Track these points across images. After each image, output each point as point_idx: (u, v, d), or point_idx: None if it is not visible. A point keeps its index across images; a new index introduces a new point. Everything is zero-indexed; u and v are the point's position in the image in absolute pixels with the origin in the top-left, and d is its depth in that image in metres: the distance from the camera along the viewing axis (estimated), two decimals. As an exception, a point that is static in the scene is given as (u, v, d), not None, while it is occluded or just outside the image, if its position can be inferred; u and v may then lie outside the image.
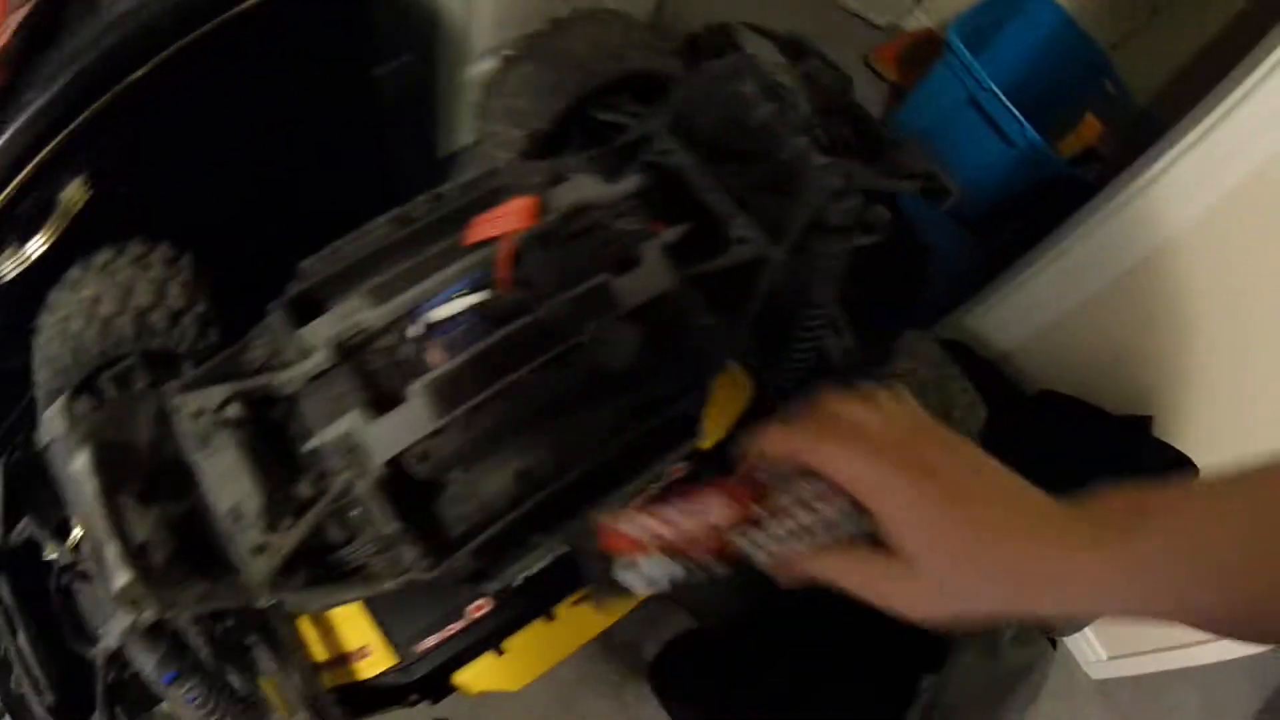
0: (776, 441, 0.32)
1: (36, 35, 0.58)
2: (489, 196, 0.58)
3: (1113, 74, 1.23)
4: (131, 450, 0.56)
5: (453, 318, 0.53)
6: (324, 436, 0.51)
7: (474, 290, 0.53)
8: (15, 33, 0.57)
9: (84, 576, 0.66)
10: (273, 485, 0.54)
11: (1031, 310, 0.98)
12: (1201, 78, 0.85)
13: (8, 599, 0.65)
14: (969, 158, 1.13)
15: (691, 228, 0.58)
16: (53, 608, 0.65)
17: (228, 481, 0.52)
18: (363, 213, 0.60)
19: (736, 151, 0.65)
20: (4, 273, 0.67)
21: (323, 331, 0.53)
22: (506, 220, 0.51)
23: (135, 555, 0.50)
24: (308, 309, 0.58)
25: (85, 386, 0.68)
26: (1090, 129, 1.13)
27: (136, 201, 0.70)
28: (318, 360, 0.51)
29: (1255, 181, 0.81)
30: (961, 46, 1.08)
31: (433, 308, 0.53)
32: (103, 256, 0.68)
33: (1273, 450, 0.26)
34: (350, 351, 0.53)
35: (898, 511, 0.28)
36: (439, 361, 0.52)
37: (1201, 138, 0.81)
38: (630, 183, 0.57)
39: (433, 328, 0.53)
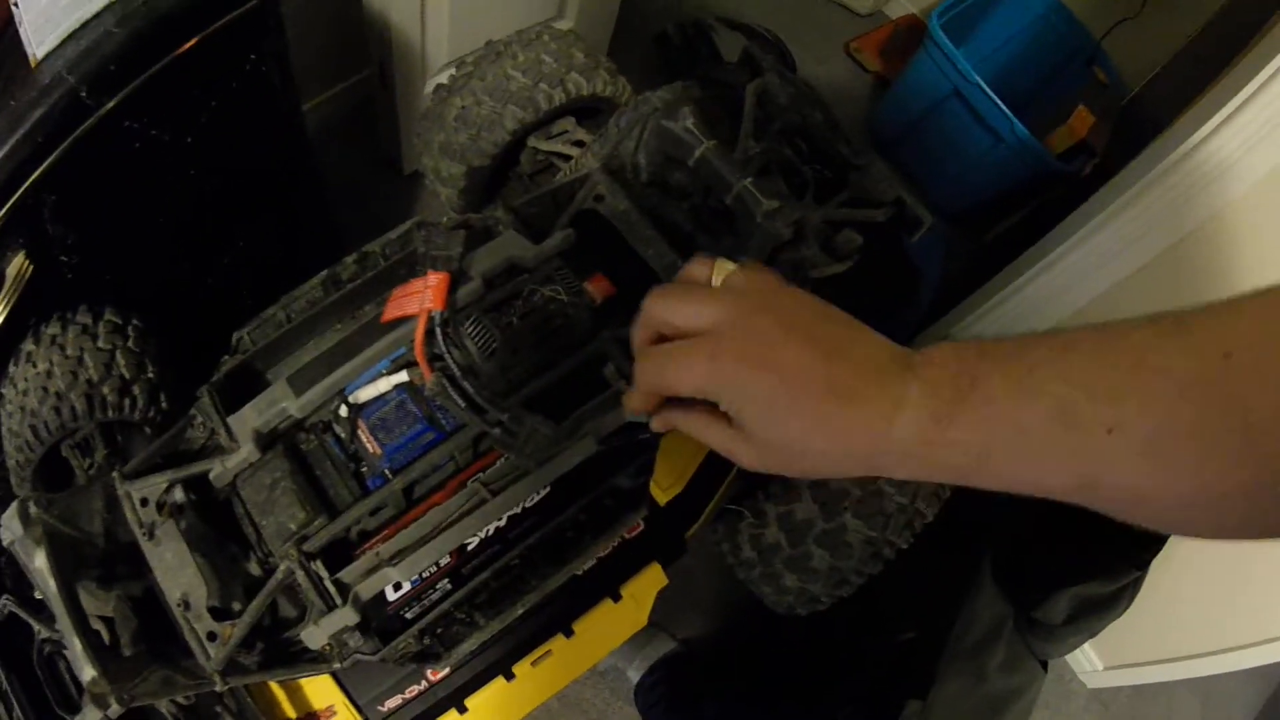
0: (634, 399, 0.34)
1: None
2: (411, 258, 0.56)
3: (1104, 61, 1.13)
4: (87, 541, 0.57)
5: (378, 397, 0.52)
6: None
7: (396, 369, 0.52)
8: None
9: (64, 647, 0.68)
10: (219, 568, 0.54)
11: (1023, 321, 0.92)
12: (1197, 64, 0.77)
13: (-2, 671, 0.67)
14: (956, 154, 1.05)
15: (625, 286, 0.55)
16: (40, 676, 0.67)
17: (175, 572, 0.53)
18: (307, 250, 0.59)
19: (676, 188, 0.61)
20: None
21: (249, 422, 0.52)
22: (419, 298, 0.49)
23: (98, 649, 0.51)
24: (245, 380, 0.57)
25: (49, 456, 0.70)
26: (1081, 122, 1.04)
27: (79, 268, 0.69)
28: (245, 454, 0.51)
29: (1272, 178, 0.73)
30: (943, 36, 1.00)
31: (357, 389, 0.52)
32: (51, 329, 0.69)
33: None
34: (278, 438, 0.52)
35: (739, 408, 0.30)
36: (368, 442, 0.52)
37: (1213, 134, 0.73)
38: (556, 240, 0.54)
39: (359, 408, 0.52)
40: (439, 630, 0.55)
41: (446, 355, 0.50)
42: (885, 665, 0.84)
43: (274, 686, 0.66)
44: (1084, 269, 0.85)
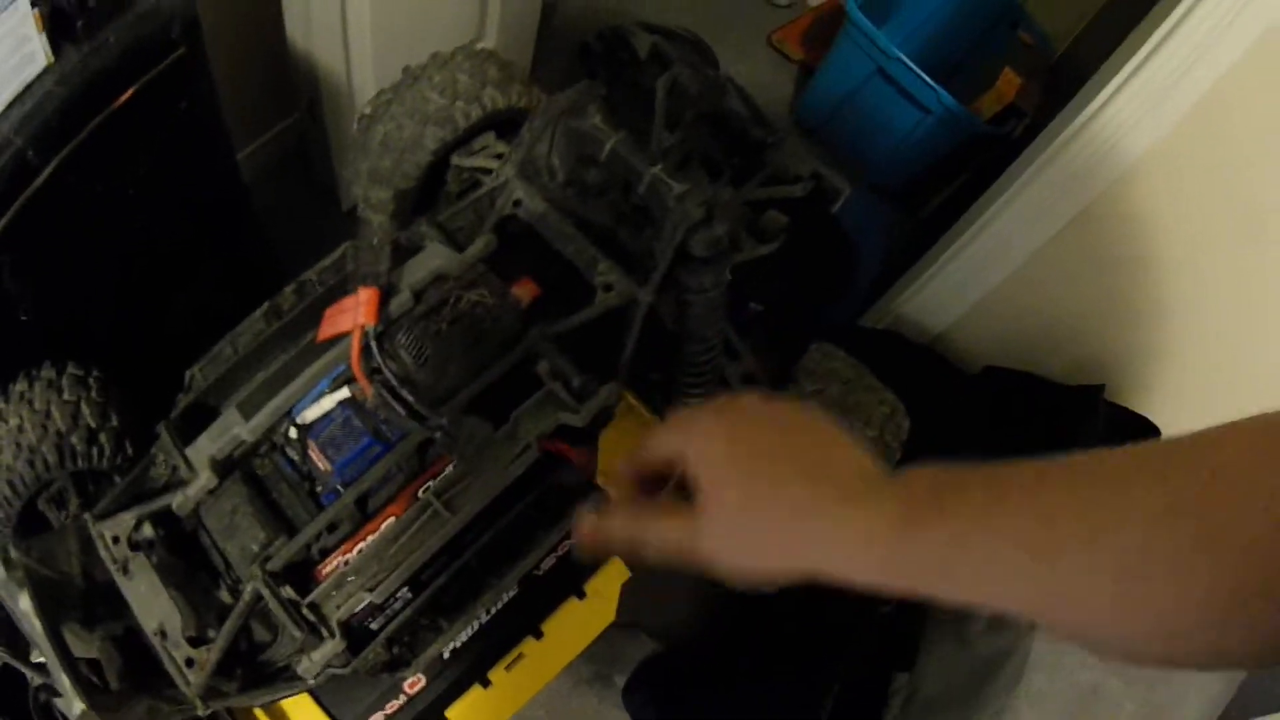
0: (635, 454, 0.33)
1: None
2: (343, 282, 0.58)
3: (1029, 23, 1.16)
4: (67, 582, 0.59)
5: (324, 415, 0.54)
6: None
7: (337, 386, 0.54)
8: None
9: (57, 693, 0.70)
10: (193, 598, 0.55)
11: (963, 285, 0.94)
12: (1122, 18, 0.79)
13: (-7, 721, 0.69)
14: (886, 131, 1.08)
15: (552, 286, 0.57)
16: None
17: (150, 603, 0.55)
18: (254, 288, 0.61)
19: (593, 186, 0.64)
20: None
21: (204, 451, 0.54)
22: (351, 315, 0.51)
23: (86, 685, 0.53)
24: (202, 416, 0.59)
25: (27, 513, 0.72)
26: (1008, 84, 1.06)
27: (38, 325, 0.72)
28: (203, 482, 0.53)
29: (1189, 121, 0.75)
30: (860, 16, 1.03)
31: (303, 409, 0.54)
32: (19, 385, 0.71)
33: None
34: (234, 464, 0.54)
35: (702, 449, 0.29)
36: (319, 460, 0.53)
37: (1126, 81, 0.75)
38: (478, 247, 0.56)
39: (308, 428, 0.54)
40: (405, 638, 0.57)
41: (383, 367, 0.52)
42: (869, 640, 0.84)
43: (259, 714, 0.67)
44: (1017, 228, 0.87)
